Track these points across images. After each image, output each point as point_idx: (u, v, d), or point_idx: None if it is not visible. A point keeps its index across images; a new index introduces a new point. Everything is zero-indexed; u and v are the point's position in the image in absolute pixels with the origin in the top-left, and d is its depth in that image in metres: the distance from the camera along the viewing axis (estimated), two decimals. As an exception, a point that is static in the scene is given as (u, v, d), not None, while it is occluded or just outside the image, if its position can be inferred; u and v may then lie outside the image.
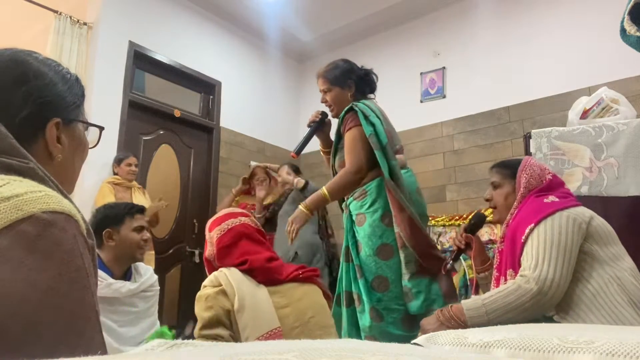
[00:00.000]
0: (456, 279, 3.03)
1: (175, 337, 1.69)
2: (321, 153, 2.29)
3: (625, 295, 1.24)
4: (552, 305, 1.28)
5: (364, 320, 1.85)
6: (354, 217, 1.98)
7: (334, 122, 2.13)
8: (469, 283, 3.07)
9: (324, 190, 1.92)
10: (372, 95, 2.16)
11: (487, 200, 1.63)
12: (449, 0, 4.32)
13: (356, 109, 1.93)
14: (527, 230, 1.36)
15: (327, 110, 2.17)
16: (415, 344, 0.55)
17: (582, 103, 2.23)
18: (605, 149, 2.00)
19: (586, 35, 3.55)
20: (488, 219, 1.80)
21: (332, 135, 2.17)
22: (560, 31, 3.71)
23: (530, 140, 2.18)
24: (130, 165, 3.29)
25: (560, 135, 2.11)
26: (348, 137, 1.94)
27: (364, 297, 1.86)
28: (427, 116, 4.34)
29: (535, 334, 0.47)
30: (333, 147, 2.09)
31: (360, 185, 1.96)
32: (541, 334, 0.47)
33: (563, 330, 0.49)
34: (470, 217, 3.60)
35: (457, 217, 3.87)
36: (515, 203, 1.50)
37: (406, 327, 1.83)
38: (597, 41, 3.45)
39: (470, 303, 1.31)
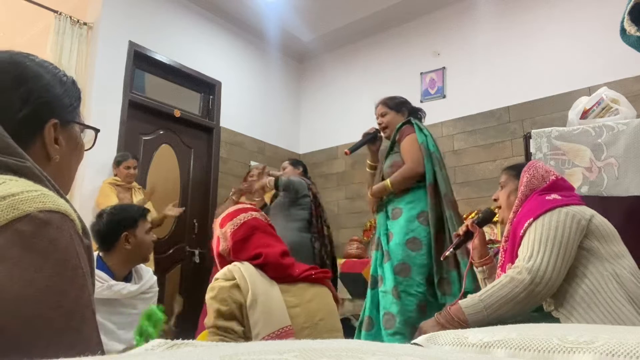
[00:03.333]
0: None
1: (167, 321, 1.69)
2: (367, 168, 2.57)
3: (624, 292, 1.24)
4: (545, 295, 1.28)
5: (387, 299, 2.07)
6: (389, 212, 2.26)
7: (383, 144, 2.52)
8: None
9: (387, 182, 2.25)
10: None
11: (495, 200, 1.68)
12: (449, 0, 4.32)
13: (413, 122, 2.34)
14: (525, 225, 1.38)
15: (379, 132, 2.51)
16: (415, 344, 0.55)
17: (582, 103, 2.23)
18: (605, 149, 2.00)
19: (586, 35, 3.55)
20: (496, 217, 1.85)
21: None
22: (560, 31, 3.71)
23: (530, 140, 2.18)
24: (128, 168, 3.26)
25: (561, 135, 2.10)
26: (407, 141, 2.27)
27: (388, 279, 2.09)
28: (427, 116, 4.33)
29: (535, 334, 0.47)
30: (386, 153, 2.41)
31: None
32: (541, 334, 0.47)
33: (563, 330, 0.49)
34: (479, 212, 3.64)
35: (457, 217, 3.86)
36: (516, 201, 1.52)
37: (422, 314, 2.02)
38: (597, 41, 3.45)
39: (468, 301, 1.32)
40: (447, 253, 1.72)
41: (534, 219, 1.37)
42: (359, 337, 2.19)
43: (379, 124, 2.48)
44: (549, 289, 1.27)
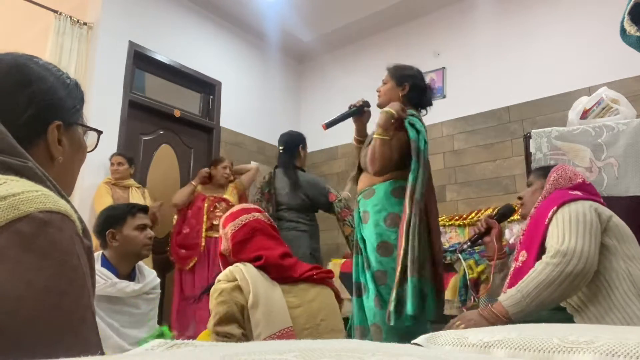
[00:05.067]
0: (456, 279, 3.02)
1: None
2: (353, 141, 2.34)
3: (635, 289, 1.26)
4: (583, 277, 1.27)
5: (371, 310, 1.93)
6: (361, 214, 2.08)
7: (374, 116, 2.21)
8: (468, 283, 3.07)
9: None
10: (423, 111, 2.25)
11: (519, 198, 1.70)
12: (449, 0, 4.32)
13: (407, 118, 2.01)
14: (550, 213, 1.40)
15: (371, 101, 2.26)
16: (415, 344, 0.55)
17: (582, 103, 2.23)
18: (605, 149, 2.00)
19: (586, 35, 3.55)
20: (515, 216, 1.88)
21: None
22: (560, 31, 3.71)
23: (530, 140, 2.19)
24: (112, 164, 3.26)
25: (560, 135, 2.11)
26: (395, 139, 1.99)
27: (370, 287, 1.95)
28: (427, 116, 4.30)
29: (535, 334, 0.47)
30: (366, 141, 2.18)
31: (371, 185, 2.06)
32: (541, 334, 0.47)
33: (563, 330, 0.49)
34: (479, 212, 3.66)
35: (457, 217, 3.86)
36: (540, 197, 1.55)
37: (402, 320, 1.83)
38: (597, 41, 3.45)
39: (506, 295, 1.32)
40: (465, 247, 1.74)
41: (558, 207, 1.39)
42: None
43: (377, 91, 2.25)
44: (587, 269, 1.27)
